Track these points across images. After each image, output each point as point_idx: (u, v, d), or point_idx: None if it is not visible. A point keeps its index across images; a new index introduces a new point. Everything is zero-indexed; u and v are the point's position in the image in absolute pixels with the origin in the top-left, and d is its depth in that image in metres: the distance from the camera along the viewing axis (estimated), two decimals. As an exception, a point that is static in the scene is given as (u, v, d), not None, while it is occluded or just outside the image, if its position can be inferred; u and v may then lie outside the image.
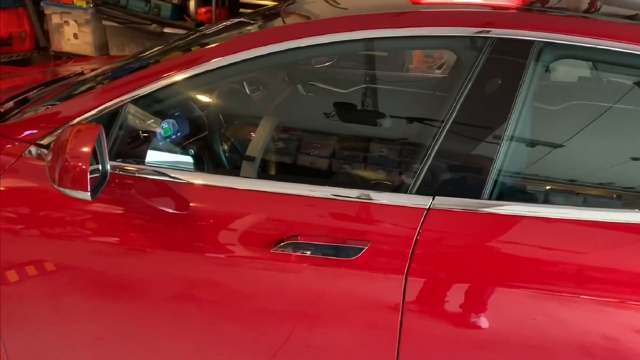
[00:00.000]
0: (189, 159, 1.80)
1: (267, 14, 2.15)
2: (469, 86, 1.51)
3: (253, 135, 1.94)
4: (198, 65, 1.65)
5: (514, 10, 1.90)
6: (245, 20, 2.16)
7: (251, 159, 1.87)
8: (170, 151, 1.77)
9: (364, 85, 2.20)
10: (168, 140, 1.76)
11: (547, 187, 1.63)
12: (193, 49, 1.92)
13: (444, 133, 1.51)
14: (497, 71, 1.52)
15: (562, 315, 1.46)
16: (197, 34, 2.20)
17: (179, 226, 1.61)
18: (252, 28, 2.02)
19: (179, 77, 1.65)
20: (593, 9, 2.05)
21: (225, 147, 1.93)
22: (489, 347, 1.50)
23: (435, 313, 1.51)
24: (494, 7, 1.86)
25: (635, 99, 1.73)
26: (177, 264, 1.61)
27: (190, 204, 1.61)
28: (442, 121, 1.52)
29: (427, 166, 1.51)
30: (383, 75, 2.26)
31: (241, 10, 4.61)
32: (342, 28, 1.62)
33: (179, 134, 1.78)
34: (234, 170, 1.92)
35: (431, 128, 1.58)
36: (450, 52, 2.01)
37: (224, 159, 1.92)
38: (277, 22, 2.01)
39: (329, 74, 2.23)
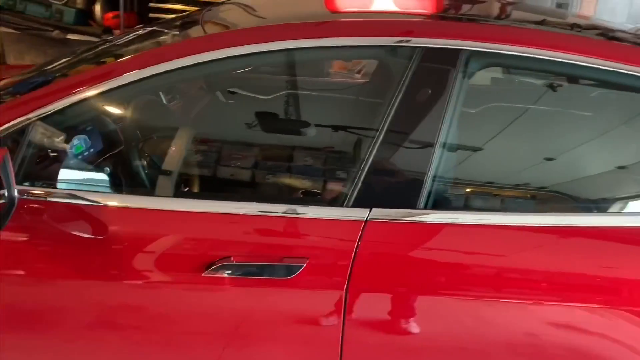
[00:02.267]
0: (104, 177, 1.68)
1: (182, 23, 2.05)
2: (400, 96, 1.50)
3: (171, 148, 1.84)
4: (111, 79, 1.55)
5: (434, 19, 1.92)
6: (158, 29, 2.06)
7: (168, 174, 1.78)
8: (83, 170, 1.66)
9: (288, 93, 2.15)
10: (80, 158, 1.63)
11: (481, 194, 1.66)
12: (105, 60, 1.79)
13: (377, 144, 1.49)
14: (427, 80, 1.51)
15: (489, 316, 1.50)
16: (108, 44, 2.06)
17: (96, 253, 1.51)
18: (167, 38, 1.92)
19: (91, 92, 1.54)
20: (504, 15, 2.12)
21: (143, 162, 1.82)
22: (429, 353, 1.52)
23: (377, 325, 1.50)
24: (413, 15, 1.87)
25: (550, 101, 1.79)
26: (96, 292, 1.52)
27: (109, 228, 1.50)
28: (376, 131, 1.51)
29: (362, 178, 1.49)
30: (307, 81, 2.23)
31: (151, 15, 4.43)
32: (263, 39, 1.57)
33: (92, 151, 1.66)
34: (153, 188, 1.82)
35: (364, 139, 1.57)
36: (375, 60, 2.01)
37: (142, 176, 1.81)
38: (195, 32, 1.92)
39: (251, 80, 2.16)
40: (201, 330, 1.52)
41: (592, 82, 1.68)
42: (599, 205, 1.60)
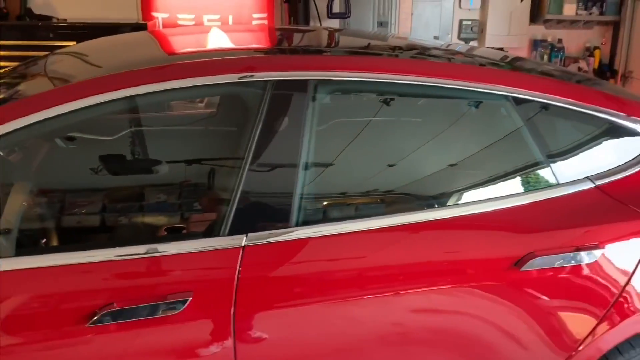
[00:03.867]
0: None
1: (11, 79, 1.93)
2: (260, 125, 1.60)
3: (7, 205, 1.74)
4: None
5: (273, 54, 2.07)
6: None
7: (7, 232, 1.64)
8: None
9: (136, 133, 2.08)
10: None
11: (345, 204, 1.80)
12: None
13: (245, 173, 1.58)
14: (283, 109, 1.65)
15: (383, 316, 1.65)
16: None
17: None
18: None
19: None
20: (333, 44, 2.34)
21: None
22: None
23: (266, 342, 1.58)
24: (254, 51, 2.00)
25: (406, 117, 1.99)
26: None
27: None
28: (242, 159, 1.59)
29: (234, 207, 1.56)
30: (155, 120, 2.22)
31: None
32: (105, 88, 1.56)
33: None
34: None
35: (232, 169, 1.63)
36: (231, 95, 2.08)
37: None
38: (28, 88, 1.82)
39: (96, 124, 2.06)
40: None
41: (418, 96, 1.91)
42: (439, 200, 1.81)
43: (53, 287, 1.47)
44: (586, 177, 1.82)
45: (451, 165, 1.90)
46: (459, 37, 5.64)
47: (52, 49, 3.68)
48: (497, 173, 1.87)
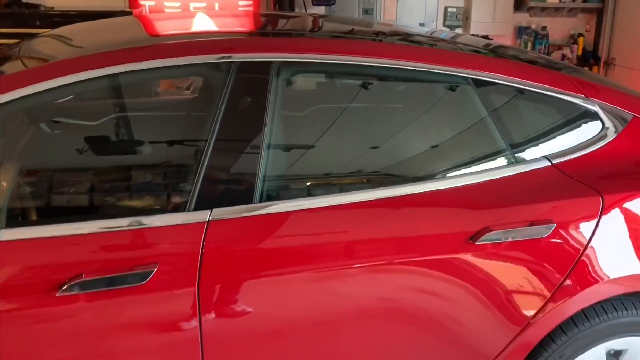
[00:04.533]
0: None
1: None
2: (224, 106, 1.68)
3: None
4: None
5: (252, 36, 2.13)
6: None
7: None
8: None
9: (117, 116, 2.19)
10: None
11: (307, 183, 1.86)
12: None
13: (209, 151, 1.65)
14: (246, 90, 1.71)
15: (341, 288, 1.72)
16: None
17: None
18: None
19: None
20: (317, 29, 2.40)
21: None
22: (287, 335, 1.70)
23: (231, 315, 1.65)
24: (233, 34, 2.06)
25: (366, 98, 2.04)
26: None
27: None
28: (206, 140, 1.66)
29: (199, 183, 1.64)
30: (137, 102, 2.29)
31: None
32: (88, 66, 1.63)
33: None
34: None
35: (196, 148, 1.70)
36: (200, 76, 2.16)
37: None
38: (13, 67, 1.87)
39: (79, 107, 2.16)
40: (64, 348, 1.57)
41: (398, 80, 1.98)
42: (398, 178, 1.87)
43: (33, 259, 1.54)
44: (543, 156, 1.90)
45: (411, 144, 1.98)
46: (444, 24, 5.71)
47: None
48: (456, 152, 1.94)
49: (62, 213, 1.79)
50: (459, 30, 5.69)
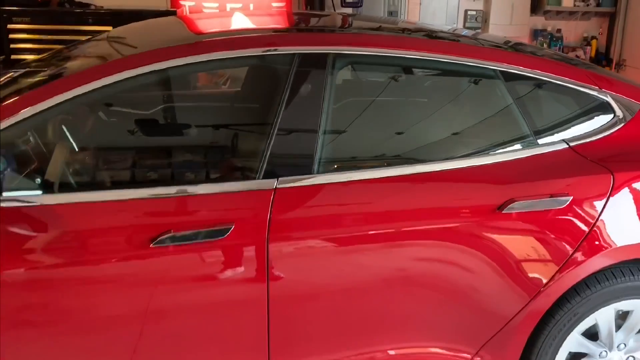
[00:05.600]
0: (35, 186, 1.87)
1: (60, 59, 2.27)
2: (288, 92, 1.96)
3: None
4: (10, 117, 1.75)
5: (291, 32, 2.43)
6: (35, 68, 2.23)
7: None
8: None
9: (194, 105, 2.51)
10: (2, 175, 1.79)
11: (359, 158, 2.13)
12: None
13: (276, 130, 1.94)
14: (307, 78, 2.00)
15: (365, 255, 1.98)
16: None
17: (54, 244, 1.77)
18: (49, 72, 2.09)
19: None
20: (347, 25, 2.68)
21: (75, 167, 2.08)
22: (342, 296, 1.99)
23: (297, 269, 1.94)
24: (273, 30, 2.36)
25: (409, 87, 2.33)
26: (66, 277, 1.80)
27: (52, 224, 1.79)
28: (273, 123, 1.95)
29: (267, 157, 1.92)
30: (210, 92, 2.62)
31: (12, 57, 4.47)
32: (153, 60, 1.89)
33: (9, 169, 1.82)
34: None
35: (265, 127, 1.98)
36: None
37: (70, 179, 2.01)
38: (78, 64, 2.14)
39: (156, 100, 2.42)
40: (158, 292, 1.85)
41: (425, 71, 2.26)
42: (435, 156, 2.12)
43: (128, 216, 1.84)
44: (562, 140, 2.18)
45: (447, 127, 2.26)
46: (464, 26, 5.98)
47: (89, 33, 4.08)
48: (486, 135, 2.22)
49: (156, 181, 2.07)
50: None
